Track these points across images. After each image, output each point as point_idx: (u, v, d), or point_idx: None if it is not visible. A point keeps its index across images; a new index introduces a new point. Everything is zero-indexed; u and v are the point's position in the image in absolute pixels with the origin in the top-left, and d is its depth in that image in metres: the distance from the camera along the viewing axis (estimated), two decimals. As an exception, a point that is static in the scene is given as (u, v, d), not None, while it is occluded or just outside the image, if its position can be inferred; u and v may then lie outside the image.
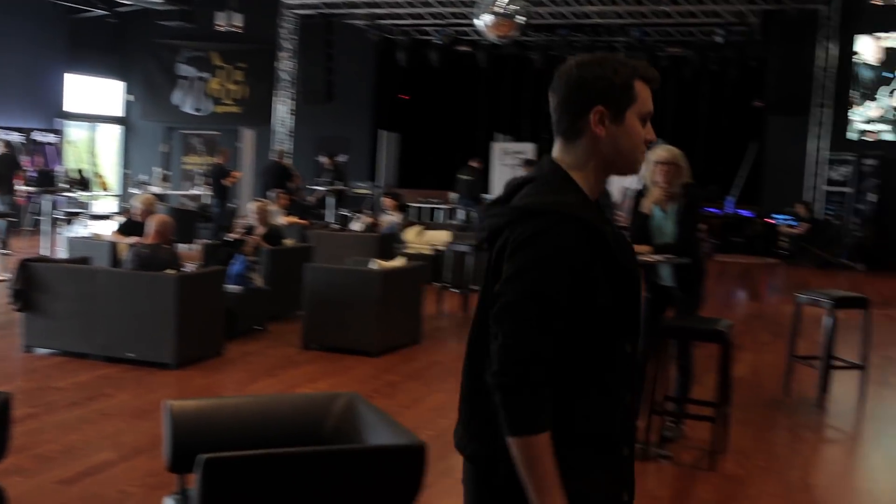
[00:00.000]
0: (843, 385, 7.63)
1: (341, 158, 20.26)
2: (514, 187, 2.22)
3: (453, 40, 20.62)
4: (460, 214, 18.79)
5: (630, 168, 2.22)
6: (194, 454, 2.85)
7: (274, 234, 10.21)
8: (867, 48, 18.96)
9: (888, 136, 18.74)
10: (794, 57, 18.78)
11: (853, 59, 19.05)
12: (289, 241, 10.86)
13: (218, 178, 16.84)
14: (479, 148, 20.95)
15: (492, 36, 16.77)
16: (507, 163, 20.25)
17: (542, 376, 2.00)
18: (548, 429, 2.00)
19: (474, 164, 19.24)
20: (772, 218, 19.27)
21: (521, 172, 17.77)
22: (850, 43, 19.04)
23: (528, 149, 20.63)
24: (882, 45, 18.75)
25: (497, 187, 19.43)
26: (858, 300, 7.47)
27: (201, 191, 19.45)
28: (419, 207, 20.65)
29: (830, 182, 19.28)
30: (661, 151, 5.85)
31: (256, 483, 2.85)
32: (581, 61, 2.16)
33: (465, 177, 19.01)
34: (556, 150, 2.22)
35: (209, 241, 11.78)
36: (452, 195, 20.30)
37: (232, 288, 8.71)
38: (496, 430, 2.06)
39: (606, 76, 2.13)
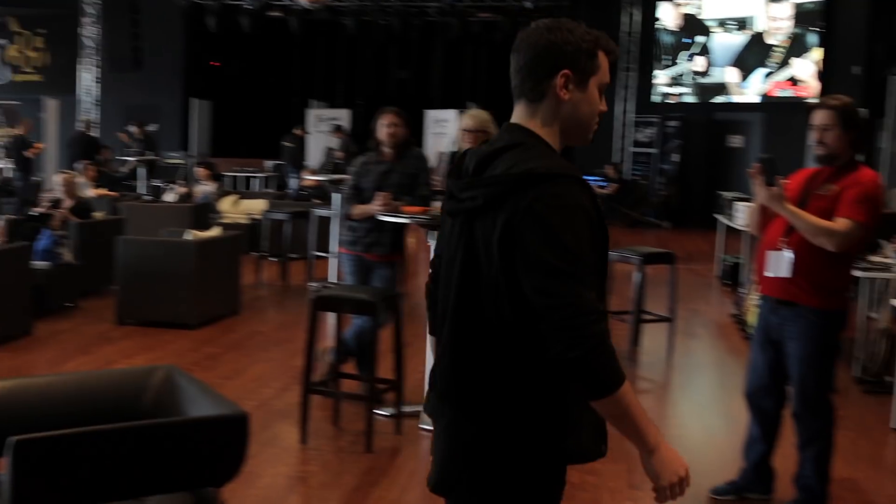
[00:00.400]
0: (653, 337, 7.98)
1: (151, 128, 19.59)
2: (485, 156, 2.16)
3: (264, 5, 20.22)
4: (292, 182, 18.43)
5: (583, 137, 2.24)
6: (3, 437, 2.72)
7: (82, 207, 9.82)
8: (668, 14, 19.74)
9: (689, 99, 19.63)
10: (601, 22, 19.20)
11: (655, 25, 19.80)
12: (99, 214, 10.49)
13: (20, 150, 16.10)
14: (294, 115, 20.70)
15: (304, 1, 16.55)
16: (321, 129, 20.09)
17: (607, 329, 2.01)
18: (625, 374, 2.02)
19: (297, 131, 19.09)
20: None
21: (333, 139, 17.74)
22: (653, 9, 19.80)
23: (343, 115, 20.52)
24: (681, 12, 19.57)
25: (314, 154, 19.28)
26: (665, 255, 7.81)
27: (2, 164, 18.47)
28: (234, 176, 20.27)
29: (637, 143, 20.07)
30: (468, 120, 5.85)
31: (72, 463, 2.75)
32: (550, 26, 2.17)
33: (288, 144, 18.80)
34: (520, 116, 2.22)
35: (13, 217, 11.19)
36: (267, 163, 20.00)
37: (39, 264, 8.34)
38: (484, 403, 2.09)
39: (575, 41, 2.15)
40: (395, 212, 5.69)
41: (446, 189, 2.27)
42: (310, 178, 15.31)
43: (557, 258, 1.97)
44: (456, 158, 2.33)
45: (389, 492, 4.59)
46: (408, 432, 5.44)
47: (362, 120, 21.22)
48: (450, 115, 19.39)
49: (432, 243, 5.61)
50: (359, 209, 5.93)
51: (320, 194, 14.02)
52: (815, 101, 4.36)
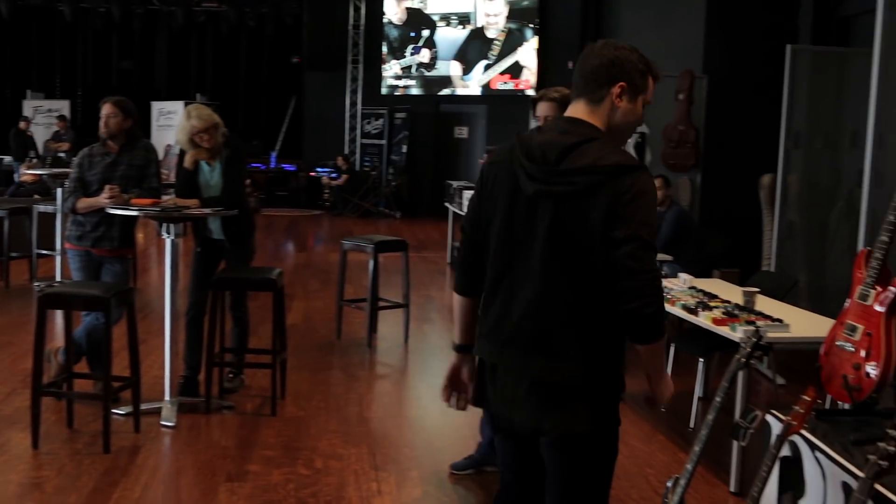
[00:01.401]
0: (390, 324, 8.16)
1: None
2: (564, 149, 2.54)
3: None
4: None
5: (622, 140, 2.73)
6: None
7: None
8: (393, 8, 20.09)
9: (415, 91, 20.07)
10: (329, 15, 19.53)
11: (383, 19, 20.12)
12: None
13: None
14: (10, 106, 19.46)
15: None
16: (40, 122, 19.01)
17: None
18: None
19: (22, 124, 17.95)
20: (314, 171, 19.93)
21: (53, 131, 16.84)
22: (379, 3, 20.10)
23: (63, 106, 19.52)
24: (405, 6, 19.96)
25: (39, 144, 18.18)
26: (398, 243, 8.00)
27: None
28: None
29: (366, 135, 20.32)
30: (195, 122, 5.79)
31: None
32: (616, 45, 2.65)
33: (14, 137, 17.66)
34: (583, 113, 2.64)
35: None
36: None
37: None
38: (583, 352, 2.54)
39: (634, 62, 2.63)
40: (124, 204, 5.53)
41: (524, 172, 2.58)
42: (29, 173, 14.46)
43: (648, 234, 2.47)
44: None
45: (131, 491, 4.47)
46: (147, 430, 5.30)
47: (85, 111, 20.27)
48: (177, 106, 18.87)
49: (166, 237, 5.51)
50: (85, 202, 5.71)
51: (41, 189, 13.27)
52: (537, 93, 4.62)
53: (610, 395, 2.61)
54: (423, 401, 6.30)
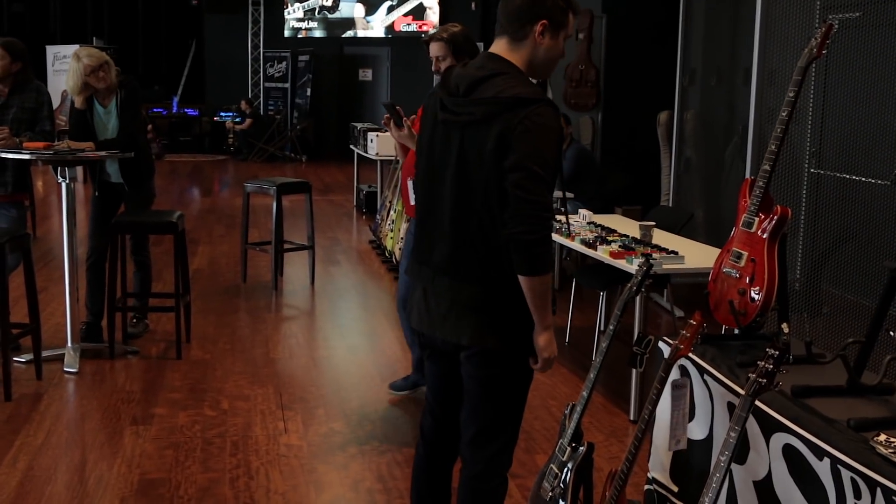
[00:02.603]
0: (296, 267, 8.16)
1: None
2: (476, 80, 2.65)
3: None
4: None
5: (545, 74, 2.81)
6: None
7: None
8: (294, -52, 19.76)
9: (318, 34, 19.82)
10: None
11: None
12: None
13: None
14: None
15: None
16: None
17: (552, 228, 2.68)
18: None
19: None
20: (218, 116, 19.63)
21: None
22: (278, -58, 19.73)
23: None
24: (307, -55, 19.64)
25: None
26: (301, 185, 7.96)
27: None
28: None
29: (269, 78, 20.03)
30: (87, 60, 5.70)
31: None
32: None
33: None
34: (501, 49, 2.71)
35: None
36: None
37: None
38: (484, 275, 2.66)
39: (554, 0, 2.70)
40: (15, 148, 5.41)
41: (439, 102, 2.71)
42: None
43: (539, 165, 2.52)
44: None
45: (34, 437, 4.43)
46: (50, 377, 5.25)
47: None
48: (72, 50, 18.35)
49: (61, 182, 5.41)
50: (-26, 147, 5.57)
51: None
52: (431, 32, 4.67)
53: (517, 318, 2.68)
54: (330, 341, 6.34)
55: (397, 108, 4.71)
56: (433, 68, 4.55)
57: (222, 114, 19.54)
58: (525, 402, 2.88)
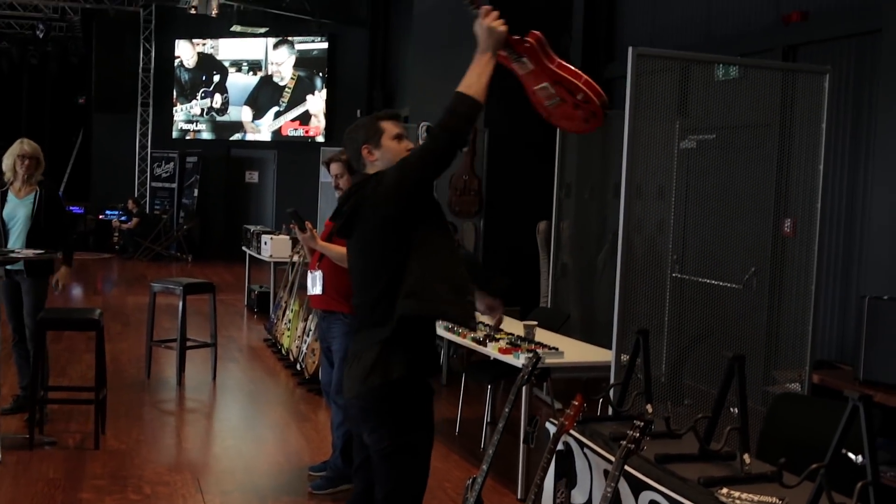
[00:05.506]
0: (195, 363, 8.53)
1: None
2: (357, 188, 3.41)
3: None
4: None
5: None
6: None
7: None
8: (185, 52, 20.33)
9: (206, 135, 20.32)
10: (117, 56, 19.63)
11: (174, 63, 20.29)
12: None
13: None
14: None
15: None
16: None
17: None
18: None
19: None
20: (103, 214, 19.79)
21: None
22: (170, 46, 20.27)
23: None
24: (197, 51, 20.24)
25: None
26: (206, 285, 8.42)
27: None
28: None
29: (156, 178, 20.37)
30: (27, 147, 6.40)
31: None
32: (348, 130, 3.55)
33: None
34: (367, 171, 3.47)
35: None
36: None
37: None
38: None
39: (360, 126, 3.50)
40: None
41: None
42: None
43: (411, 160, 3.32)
44: None
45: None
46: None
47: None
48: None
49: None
50: None
51: None
52: (330, 154, 5.45)
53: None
54: (236, 433, 6.75)
55: (300, 215, 5.37)
56: (333, 185, 5.34)
57: (108, 212, 19.72)
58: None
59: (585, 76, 3.28)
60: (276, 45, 19.65)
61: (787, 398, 4.12)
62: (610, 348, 5.30)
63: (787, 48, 7.76)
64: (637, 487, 3.31)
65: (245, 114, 20.00)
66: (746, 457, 3.19)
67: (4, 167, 6.45)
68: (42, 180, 6.50)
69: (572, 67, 3.30)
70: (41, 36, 19.26)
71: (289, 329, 9.07)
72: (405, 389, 3.27)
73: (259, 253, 11.94)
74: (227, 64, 20.09)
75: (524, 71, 3.28)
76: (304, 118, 19.53)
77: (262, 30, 19.18)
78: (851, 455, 2.59)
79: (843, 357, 6.82)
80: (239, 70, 20.01)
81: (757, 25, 8.25)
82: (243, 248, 12.96)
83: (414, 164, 3.22)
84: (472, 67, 3.16)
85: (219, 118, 20.19)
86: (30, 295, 6.38)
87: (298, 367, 8.26)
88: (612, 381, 4.92)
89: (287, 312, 9.32)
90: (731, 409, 3.39)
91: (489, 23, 3.13)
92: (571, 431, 3.65)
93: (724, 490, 2.96)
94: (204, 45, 20.17)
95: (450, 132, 3.13)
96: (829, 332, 7.16)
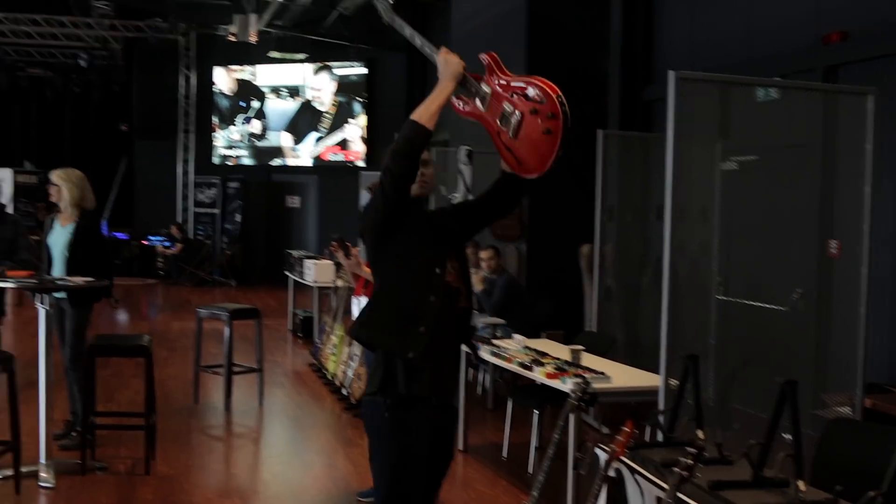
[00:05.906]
0: (242, 388, 8.60)
1: None
2: None
3: None
4: None
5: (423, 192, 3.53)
6: None
7: None
8: (222, 79, 20.58)
9: (247, 161, 20.53)
10: (157, 84, 19.95)
11: (213, 89, 20.55)
12: None
13: None
14: None
15: None
16: None
17: None
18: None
19: None
20: (147, 239, 20.02)
21: None
22: (209, 73, 20.54)
23: None
24: (235, 77, 20.48)
25: None
26: (252, 311, 8.49)
27: None
28: None
29: (199, 204, 20.59)
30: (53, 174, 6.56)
31: None
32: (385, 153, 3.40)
33: None
34: None
35: None
36: None
37: None
38: None
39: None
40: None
41: None
42: None
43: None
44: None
45: (25, 546, 4.82)
46: (27, 492, 5.62)
47: None
48: (4, 173, 18.83)
49: (39, 307, 5.87)
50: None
51: None
52: (373, 180, 5.46)
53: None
54: (284, 458, 6.81)
55: (344, 240, 5.41)
56: None
57: (151, 237, 19.95)
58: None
59: (539, 78, 3.29)
60: (316, 71, 19.82)
61: (840, 423, 4.10)
62: (655, 372, 5.29)
63: (828, 68, 7.73)
64: (691, 515, 3.31)
65: (285, 139, 20.17)
66: (801, 483, 3.18)
67: (73, 198, 6.55)
68: (86, 210, 6.55)
69: (526, 76, 3.35)
70: (84, 65, 19.61)
71: (334, 354, 9.13)
72: (378, 404, 3.30)
73: (302, 277, 12.01)
74: (266, 90, 20.30)
75: (485, 105, 3.35)
76: (345, 143, 19.67)
77: (301, 56, 19.39)
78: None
79: (894, 380, 6.76)
80: (278, 96, 20.21)
81: (796, 45, 8.22)
82: (286, 272, 13.05)
83: (370, 202, 3.47)
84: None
85: (259, 144, 20.39)
86: (71, 322, 6.47)
87: (344, 391, 8.31)
88: (660, 406, 4.90)
89: (332, 337, 9.38)
90: (783, 434, 3.38)
91: (444, 55, 3.37)
92: (622, 458, 3.65)
93: (780, 517, 2.96)
94: (243, 71, 20.40)
95: (393, 156, 3.28)
96: (880, 354, 7.09)
